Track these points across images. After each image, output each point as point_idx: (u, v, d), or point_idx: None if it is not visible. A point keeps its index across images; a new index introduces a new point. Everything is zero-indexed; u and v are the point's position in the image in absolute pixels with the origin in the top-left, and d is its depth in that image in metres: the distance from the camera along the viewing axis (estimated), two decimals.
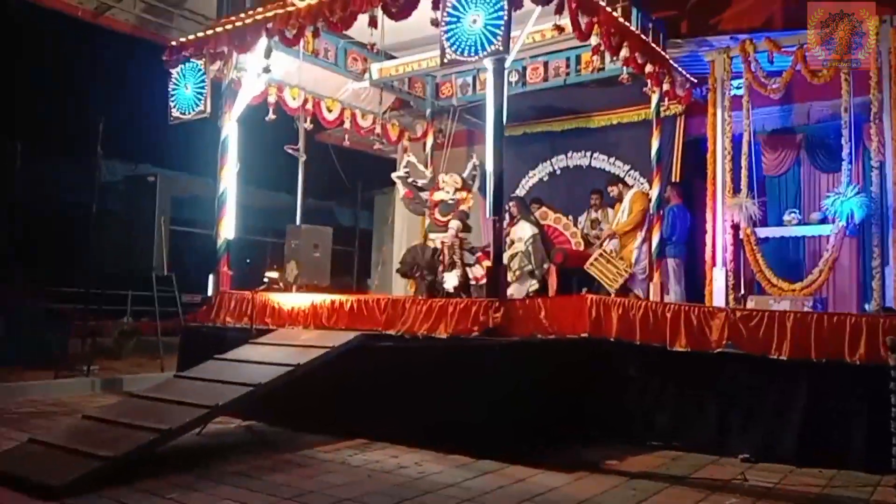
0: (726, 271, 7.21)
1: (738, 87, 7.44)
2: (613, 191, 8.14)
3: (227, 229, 7.48)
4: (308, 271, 7.70)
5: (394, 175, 7.94)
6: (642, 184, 8.53)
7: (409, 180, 7.66)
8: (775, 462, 4.99)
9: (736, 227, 7.22)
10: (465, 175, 7.53)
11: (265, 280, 7.52)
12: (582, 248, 8.12)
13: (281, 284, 7.56)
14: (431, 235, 7.48)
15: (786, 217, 7.45)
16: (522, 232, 7.92)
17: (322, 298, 6.64)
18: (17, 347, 8.17)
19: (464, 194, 7.38)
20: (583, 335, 5.58)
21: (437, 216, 7.38)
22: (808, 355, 4.98)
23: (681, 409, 5.43)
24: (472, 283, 7.18)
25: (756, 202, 7.22)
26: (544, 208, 8.56)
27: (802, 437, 5.00)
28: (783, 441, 5.05)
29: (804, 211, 7.67)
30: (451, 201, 7.34)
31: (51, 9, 8.77)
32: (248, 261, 12.46)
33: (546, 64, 8.34)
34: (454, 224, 7.21)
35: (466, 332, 5.58)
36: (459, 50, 5.53)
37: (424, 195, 7.63)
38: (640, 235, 7.69)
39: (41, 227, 11.70)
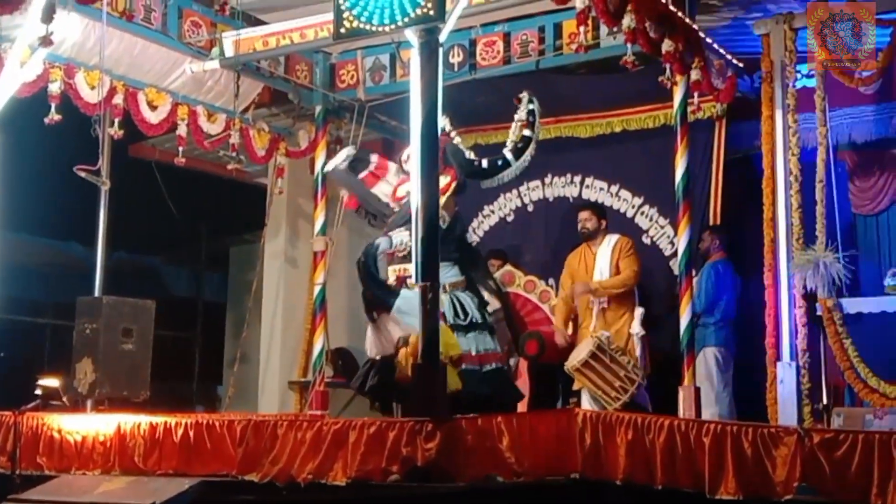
0: (797, 367, 7.35)
1: (808, 76, 7.73)
2: (588, 223, 8.15)
3: None
4: (113, 375, 7.61)
5: (333, 165, 7.81)
6: (662, 227, 8.74)
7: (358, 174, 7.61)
8: None
9: (810, 298, 7.40)
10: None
11: (37, 392, 7.34)
12: (570, 331, 8.23)
13: (65, 399, 7.48)
14: (393, 268, 7.43)
15: (888, 281, 7.70)
16: None
17: (136, 422, 6.58)
18: None
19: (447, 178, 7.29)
20: (572, 476, 5.60)
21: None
22: None
23: None
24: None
25: (841, 257, 7.42)
26: (510, 267, 8.69)
27: None
28: None
29: None
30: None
31: None
32: (11, 357, 12.19)
33: (507, 37, 8.53)
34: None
35: (379, 476, 5.54)
36: (364, 16, 5.62)
37: (385, 193, 7.57)
38: (638, 311, 7.83)
39: None
